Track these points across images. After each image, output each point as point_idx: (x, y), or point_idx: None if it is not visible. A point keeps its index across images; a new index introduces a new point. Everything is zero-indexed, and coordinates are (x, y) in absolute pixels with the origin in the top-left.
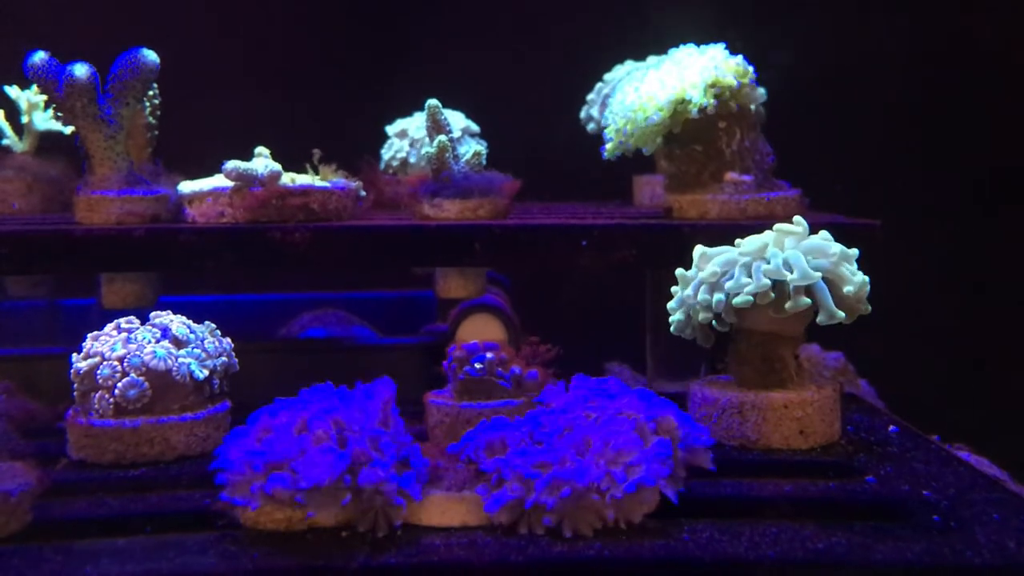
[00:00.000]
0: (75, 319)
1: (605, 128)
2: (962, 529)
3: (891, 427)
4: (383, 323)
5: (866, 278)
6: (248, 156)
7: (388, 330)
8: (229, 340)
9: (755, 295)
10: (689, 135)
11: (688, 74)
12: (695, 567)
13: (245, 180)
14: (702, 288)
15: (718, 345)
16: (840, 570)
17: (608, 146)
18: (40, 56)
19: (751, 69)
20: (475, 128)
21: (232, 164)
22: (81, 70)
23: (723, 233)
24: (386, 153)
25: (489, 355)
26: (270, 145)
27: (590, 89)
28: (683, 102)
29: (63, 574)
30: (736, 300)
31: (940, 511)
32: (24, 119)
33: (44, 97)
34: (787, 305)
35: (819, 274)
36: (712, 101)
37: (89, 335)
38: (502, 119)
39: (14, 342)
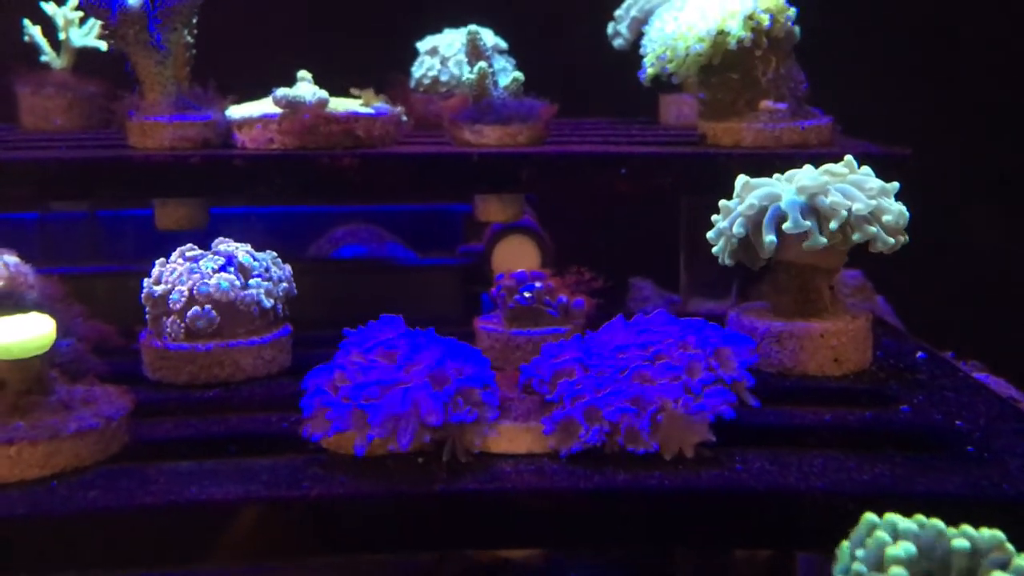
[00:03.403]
0: (114, 230)
1: (643, 56)
2: (996, 460)
3: (919, 353)
4: (412, 237)
5: (904, 210)
6: (278, 74)
7: (417, 244)
8: (289, 267)
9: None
10: (725, 63)
11: (728, 3)
12: (750, 497)
13: (294, 107)
14: (738, 222)
15: (749, 270)
16: (886, 502)
17: (647, 73)
18: None
19: None
20: (503, 45)
21: (282, 92)
22: None
23: (759, 161)
24: (417, 71)
25: (537, 284)
26: (300, 62)
27: (615, 2)
28: (723, 33)
29: (171, 494)
30: (808, 244)
31: (973, 442)
32: (61, 36)
33: (80, 13)
34: (855, 236)
35: (875, 202)
36: (750, 34)
37: (157, 261)
38: (527, 33)
39: (57, 254)
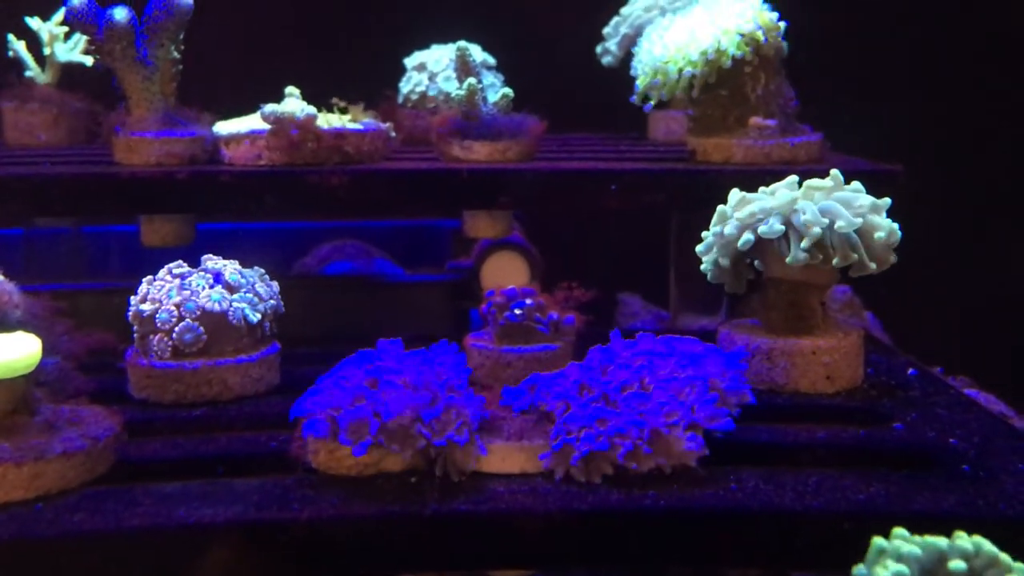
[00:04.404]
0: (99, 246)
1: (635, 78)
2: (991, 479)
3: (910, 370)
4: (399, 252)
5: (895, 228)
6: (266, 89)
7: (404, 260)
8: (276, 284)
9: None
10: (715, 80)
11: (721, 21)
12: (745, 517)
13: (282, 124)
14: (734, 226)
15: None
16: (882, 521)
17: (638, 96)
18: (80, 0)
19: (776, 15)
20: (492, 61)
21: (270, 108)
22: (121, 14)
23: (749, 178)
24: (405, 86)
25: (528, 301)
26: (288, 78)
27: (602, 15)
28: (718, 52)
29: (158, 516)
30: (789, 260)
31: (968, 460)
32: (46, 51)
33: (65, 28)
34: (835, 261)
35: (860, 221)
36: (749, 50)
37: (144, 279)
38: (514, 48)
39: (42, 271)
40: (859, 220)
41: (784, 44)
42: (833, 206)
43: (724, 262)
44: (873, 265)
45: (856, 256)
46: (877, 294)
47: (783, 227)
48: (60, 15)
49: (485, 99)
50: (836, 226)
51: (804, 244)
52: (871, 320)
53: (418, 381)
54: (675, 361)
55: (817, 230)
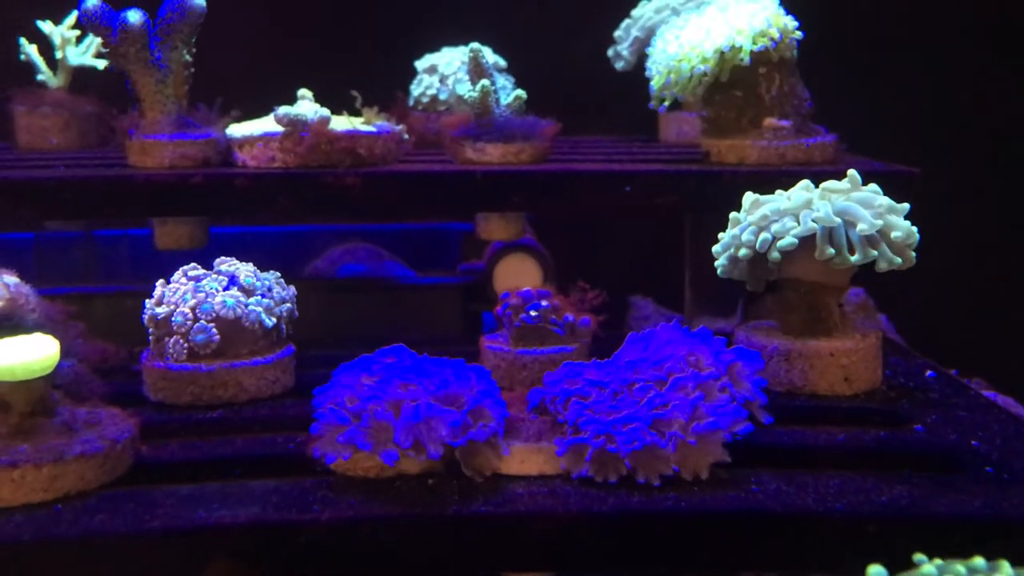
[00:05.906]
0: (110, 250)
1: (649, 79)
2: (1016, 481)
3: (928, 372)
4: (409, 255)
5: (914, 229)
6: (279, 92)
7: (414, 263)
8: (293, 288)
9: (816, 249)
10: (729, 81)
11: (735, 21)
12: (768, 519)
13: (296, 126)
14: (749, 229)
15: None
16: (906, 524)
17: (654, 98)
18: (94, 2)
19: (791, 18)
20: (503, 63)
21: (283, 110)
22: (135, 17)
23: (763, 179)
24: (416, 89)
25: (544, 303)
26: (299, 82)
27: (613, 15)
28: (733, 50)
29: (178, 518)
30: (781, 243)
31: (991, 462)
32: (58, 54)
33: (77, 32)
34: (854, 258)
35: (880, 222)
36: (769, 43)
37: (159, 282)
38: (524, 51)
39: (53, 274)
40: (879, 221)
41: (796, 31)
42: (851, 207)
43: (743, 252)
44: (899, 260)
45: (876, 252)
46: (891, 297)
47: (815, 226)
48: (72, 19)
49: (498, 101)
50: (858, 229)
51: (796, 231)
52: (884, 323)
53: (439, 383)
54: (694, 361)
55: (813, 225)
